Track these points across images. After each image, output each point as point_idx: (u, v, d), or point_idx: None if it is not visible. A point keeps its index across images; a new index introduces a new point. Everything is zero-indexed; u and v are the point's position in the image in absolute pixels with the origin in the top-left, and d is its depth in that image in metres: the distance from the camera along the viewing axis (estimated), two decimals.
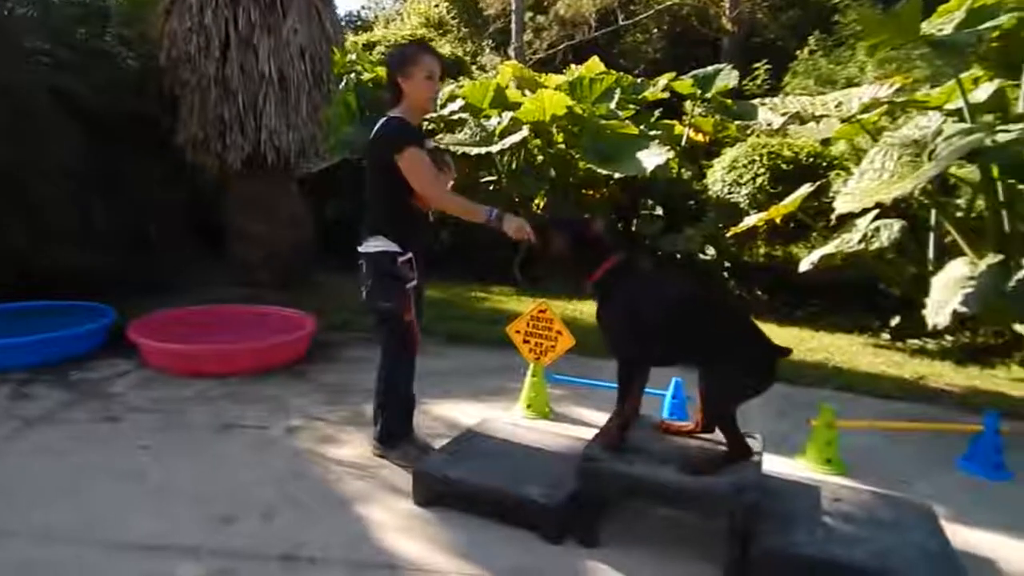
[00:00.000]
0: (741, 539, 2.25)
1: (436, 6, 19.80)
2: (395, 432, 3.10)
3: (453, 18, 19.61)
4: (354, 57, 9.77)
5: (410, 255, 2.85)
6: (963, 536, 2.56)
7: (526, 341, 3.78)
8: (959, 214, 5.31)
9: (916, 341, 5.43)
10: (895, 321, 5.69)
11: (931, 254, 5.37)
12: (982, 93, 4.88)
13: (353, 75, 8.89)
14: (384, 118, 2.90)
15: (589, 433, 2.98)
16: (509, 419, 3.48)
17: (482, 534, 2.53)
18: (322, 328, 4.73)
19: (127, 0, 6.55)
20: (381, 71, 9.22)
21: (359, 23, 21.67)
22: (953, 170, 4.99)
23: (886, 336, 5.68)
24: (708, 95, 8.33)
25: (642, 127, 7.87)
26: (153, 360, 4.27)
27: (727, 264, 7.02)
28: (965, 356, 5.08)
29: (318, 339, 4.67)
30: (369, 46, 11.91)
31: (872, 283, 5.97)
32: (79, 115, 5.24)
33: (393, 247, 2.83)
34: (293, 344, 4.47)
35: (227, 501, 2.74)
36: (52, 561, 2.34)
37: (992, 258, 4.14)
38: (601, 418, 3.11)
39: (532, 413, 3.70)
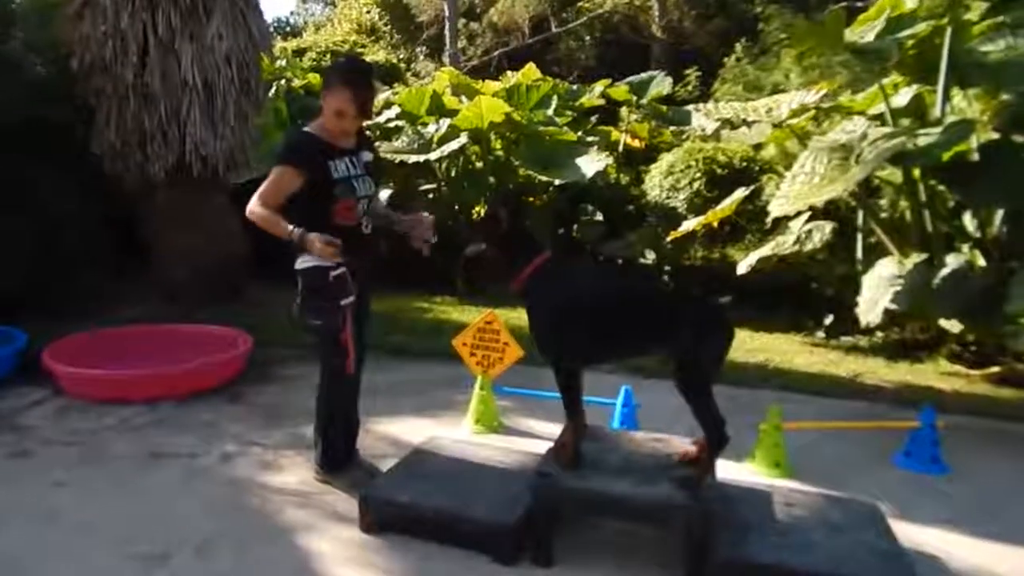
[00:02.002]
0: (698, 550, 2.23)
1: (368, 12, 19.51)
2: (338, 455, 2.96)
3: (385, 24, 19.37)
4: (284, 63, 9.48)
5: (342, 270, 2.71)
6: (909, 533, 2.61)
7: (473, 354, 3.70)
8: (883, 214, 5.51)
9: (849, 338, 5.61)
10: (828, 320, 5.87)
11: (859, 254, 5.56)
12: (902, 98, 5.08)
13: (283, 82, 8.62)
14: None
15: (541, 447, 2.92)
16: (458, 436, 3.39)
17: (434, 560, 2.44)
18: (256, 346, 4.52)
19: (33, 1, 6.13)
20: (312, 77, 8.99)
21: (288, 29, 21.18)
22: (877, 172, 5.18)
23: (820, 335, 5.84)
24: (643, 101, 8.45)
25: (580, 133, 7.91)
26: (71, 387, 3.97)
27: (667, 268, 7.10)
28: (895, 352, 5.27)
29: (253, 358, 4.45)
30: (299, 52, 11.60)
31: (805, 283, 6.14)
32: None
33: (324, 262, 2.69)
34: (226, 364, 4.25)
35: (157, 538, 2.55)
36: None
37: (917, 256, 4.32)
38: (552, 430, 3.06)
39: (481, 428, 3.61)
